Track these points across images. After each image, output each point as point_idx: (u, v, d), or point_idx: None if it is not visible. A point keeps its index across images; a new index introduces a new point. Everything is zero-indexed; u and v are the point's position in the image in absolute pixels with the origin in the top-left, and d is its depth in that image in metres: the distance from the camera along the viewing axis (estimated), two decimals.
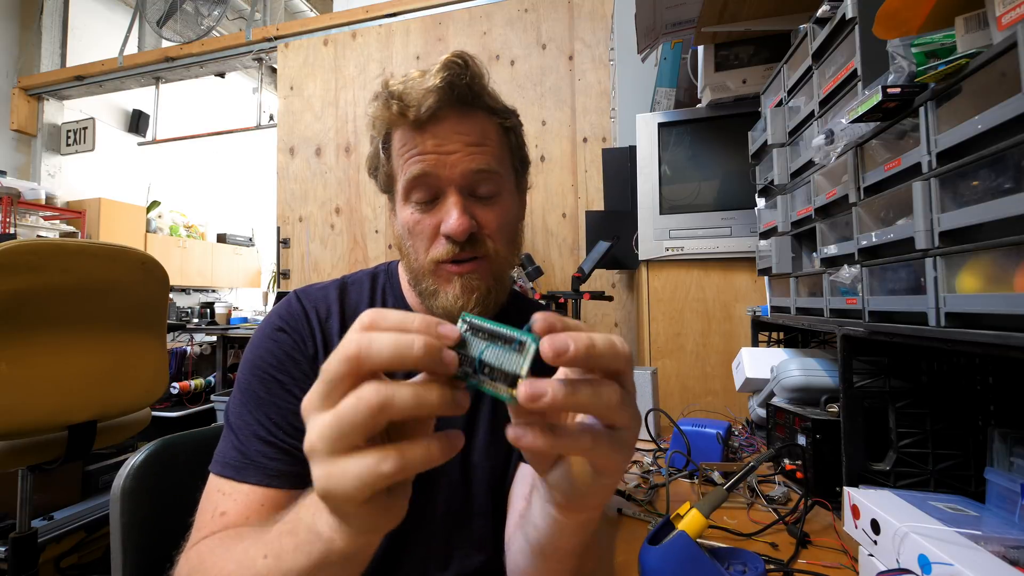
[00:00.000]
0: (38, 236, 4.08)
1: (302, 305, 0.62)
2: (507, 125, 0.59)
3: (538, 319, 0.29)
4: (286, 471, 0.53)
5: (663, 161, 1.48)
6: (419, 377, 0.29)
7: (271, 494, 0.52)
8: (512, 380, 0.28)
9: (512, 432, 0.29)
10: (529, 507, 0.43)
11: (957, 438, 0.68)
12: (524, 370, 0.28)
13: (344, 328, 0.61)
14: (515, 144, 0.61)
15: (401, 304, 0.65)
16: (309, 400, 0.29)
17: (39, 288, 1.22)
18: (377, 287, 0.67)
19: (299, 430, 0.55)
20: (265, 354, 0.58)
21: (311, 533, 0.33)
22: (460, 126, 0.54)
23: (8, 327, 1.19)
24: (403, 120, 0.54)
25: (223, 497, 0.52)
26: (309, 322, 0.60)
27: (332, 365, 0.28)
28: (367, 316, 0.29)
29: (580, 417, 0.34)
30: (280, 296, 2.90)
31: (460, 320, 0.30)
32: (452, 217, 0.54)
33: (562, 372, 0.32)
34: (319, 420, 0.28)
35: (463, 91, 0.53)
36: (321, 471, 0.28)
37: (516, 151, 0.62)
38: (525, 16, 2.95)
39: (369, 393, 0.27)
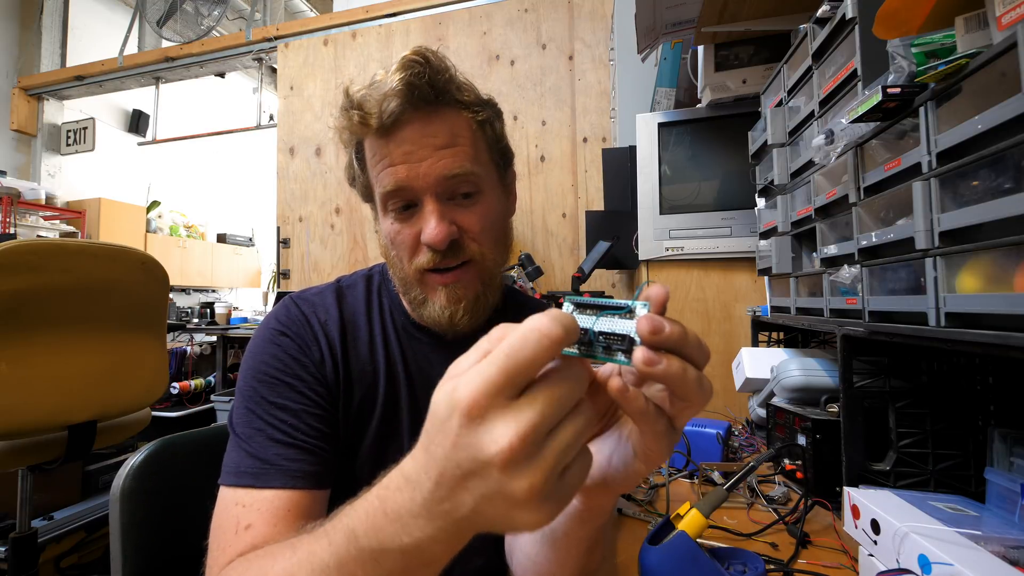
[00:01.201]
0: (38, 236, 4.08)
1: (301, 310, 0.60)
2: (480, 119, 0.56)
3: (651, 290, 0.30)
4: (310, 471, 0.51)
5: (663, 161, 1.48)
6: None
7: (296, 497, 0.50)
8: (627, 342, 0.29)
9: (616, 382, 0.29)
10: None
11: (957, 438, 0.68)
12: (637, 320, 0.29)
13: (344, 332, 0.60)
14: (492, 138, 0.59)
15: (396, 305, 0.64)
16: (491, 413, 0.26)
17: (39, 288, 1.22)
18: (372, 289, 0.66)
19: (318, 430, 0.54)
20: (269, 359, 0.56)
21: (409, 555, 0.30)
22: (427, 128, 0.52)
23: (8, 327, 1.19)
24: (367, 129, 0.52)
25: (244, 510, 0.48)
26: (311, 327, 0.59)
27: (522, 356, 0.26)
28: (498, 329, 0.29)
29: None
30: (280, 296, 2.90)
31: (565, 302, 0.32)
32: (430, 226, 0.52)
33: None
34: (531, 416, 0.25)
35: (424, 90, 0.51)
36: (542, 495, 0.26)
37: (494, 145, 0.59)
38: (525, 16, 2.95)
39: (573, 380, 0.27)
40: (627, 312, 0.30)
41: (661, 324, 0.28)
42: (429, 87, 0.51)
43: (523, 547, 0.51)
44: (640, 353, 0.28)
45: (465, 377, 0.26)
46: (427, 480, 0.28)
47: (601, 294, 2.10)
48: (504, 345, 0.26)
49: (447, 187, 0.53)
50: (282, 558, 0.37)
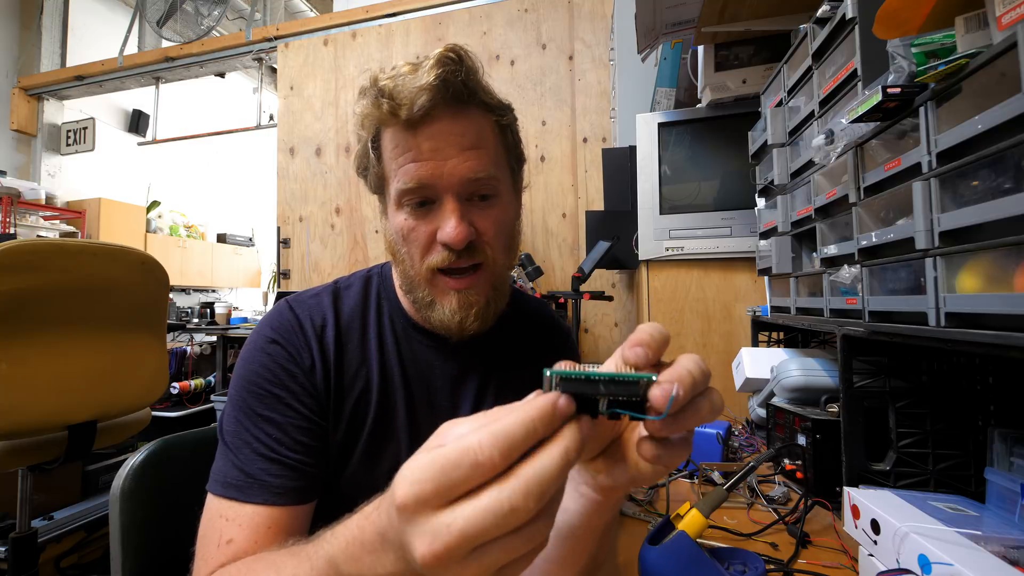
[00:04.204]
0: (38, 236, 4.08)
1: (295, 315, 0.59)
2: (503, 123, 0.56)
3: (641, 337, 0.30)
4: (292, 487, 0.52)
5: (663, 161, 1.48)
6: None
7: (276, 514, 0.50)
8: (638, 405, 0.28)
9: (650, 451, 0.30)
10: None
11: (957, 438, 0.68)
12: (646, 392, 0.28)
13: (339, 335, 0.59)
14: (511, 142, 0.59)
15: (395, 307, 0.63)
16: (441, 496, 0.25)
17: (39, 288, 1.22)
18: (371, 291, 0.65)
19: (303, 444, 0.54)
20: (259, 368, 0.55)
21: None
22: (455, 126, 0.52)
23: (8, 327, 1.19)
24: (394, 120, 0.51)
25: (227, 523, 0.50)
26: (304, 333, 0.58)
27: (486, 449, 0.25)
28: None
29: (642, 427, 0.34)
30: (280, 296, 2.90)
31: (550, 376, 0.28)
32: (450, 225, 0.52)
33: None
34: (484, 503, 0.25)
35: (458, 88, 0.51)
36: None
37: (512, 149, 0.60)
38: (525, 16, 2.95)
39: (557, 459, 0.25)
40: (634, 382, 0.28)
41: (677, 396, 0.27)
42: (463, 86, 0.51)
43: None
44: (657, 391, 0.27)
45: (411, 466, 0.26)
46: (384, 519, 0.30)
47: (601, 294, 2.10)
48: (447, 452, 0.25)
49: (469, 188, 0.53)
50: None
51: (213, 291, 6.14)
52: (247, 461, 0.52)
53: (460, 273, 0.55)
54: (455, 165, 0.52)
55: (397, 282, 0.63)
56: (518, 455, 0.25)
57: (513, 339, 0.67)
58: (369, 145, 0.57)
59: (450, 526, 0.24)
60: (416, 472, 0.25)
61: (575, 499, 0.39)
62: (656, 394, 0.27)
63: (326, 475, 0.57)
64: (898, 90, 0.54)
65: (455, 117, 0.52)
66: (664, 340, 0.31)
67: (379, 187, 0.58)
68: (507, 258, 0.58)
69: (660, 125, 1.48)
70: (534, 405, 0.26)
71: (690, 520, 0.56)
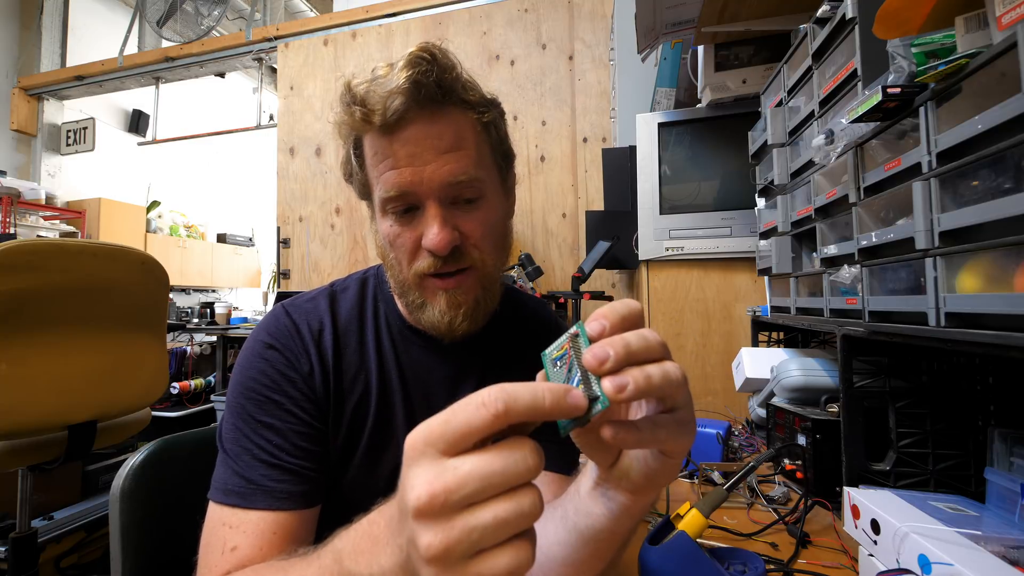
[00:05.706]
0: (38, 236, 4.07)
1: (292, 320, 0.59)
2: (485, 120, 0.54)
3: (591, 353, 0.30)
4: (295, 492, 0.51)
5: (663, 161, 1.48)
6: None
7: (281, 519, 0.50)
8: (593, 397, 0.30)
9: (610, 431, 0.30)
10: (572, 499, 0.42)
11: (957, 438, 0.68)
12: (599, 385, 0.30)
13: (337, 339, 0.59)
14: (496, 139, 0.57)
15: (391, 309, 0.63)
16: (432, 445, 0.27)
17: (39, 288, 1.22)
18: (367, 294, 0.64)
19: (304, 449, 0.53)
20: (257, 374, 0.55)
21: None
22: (432, 128, 0.50)
23: (8, 327, 1.19)
24: (368, 126, 0.50)
25: (231, 531, 0.49)
26: (301, 338, 0.57)
27: (473, 416, 0.26)
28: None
29: (632, 413, 0.35)
30: (280, 297, 2.90)
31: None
32: (432, 232, 0.51)
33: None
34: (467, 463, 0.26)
35: (431, 89, 0.49)
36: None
37: (498, 147, 0.58)
38: (525, 16, 2.95)
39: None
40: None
41: (625, 381, 0.29)
42: (436, 86, 0.49)
43: (547, 550, 0.49)
44: (608, 384, 0.29)
45: (423, 421, 0.28)
46: (393, 507, 0.31)
47: (601, 294, 2.10)
48: (456, 403, 0.27)
49: (451, 192, 0.52)
50: None
51: (213, 291, 6.13)
52: (248, 468, 0.51)
53: (448, 274, 0.54)
54: (434, 170, 0.50)
55: (391, 285, 0.63)
56: (521, 414, 0.26)
57: (511, 339, 0.66)
58: (351, 152, 0.56)
59: (457, 468, 0.26)
60: (426, 421, 0.27)
61: (603, 504, 0.39)
62: (588, 358, 0.29)
63: (327, 480, 0.56)
64: (898, 90, 0.54)
65: (431, 119, 0.50)
66: (625, 315, 0.32)
67: (365, 193, 0.58)
68: (497, 259, 0.58)
69: (660, 125, 1.48)
70: (552, 387, 0.27)
71: (690, 520, 0.56)
